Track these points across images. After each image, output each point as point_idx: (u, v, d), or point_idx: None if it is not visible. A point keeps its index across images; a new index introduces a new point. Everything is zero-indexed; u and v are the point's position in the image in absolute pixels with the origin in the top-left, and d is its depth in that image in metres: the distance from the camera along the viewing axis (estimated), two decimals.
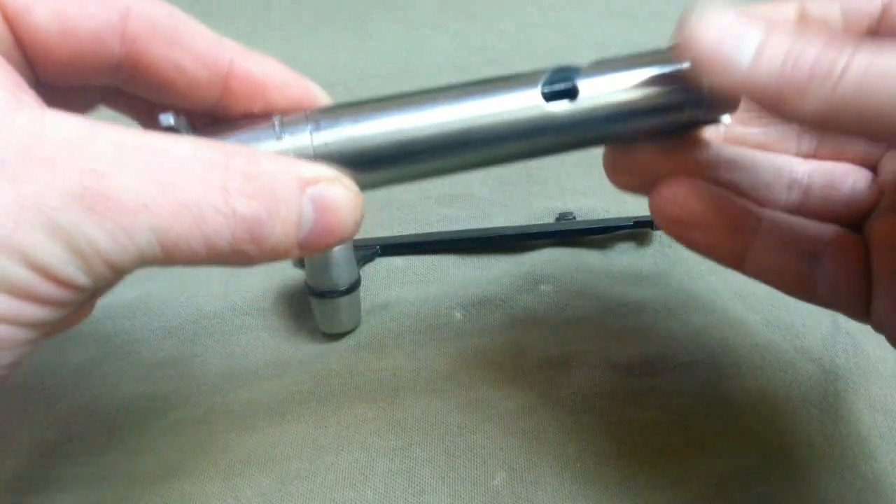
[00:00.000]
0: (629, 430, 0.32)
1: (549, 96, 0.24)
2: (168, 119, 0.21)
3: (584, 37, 0.59)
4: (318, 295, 0.34)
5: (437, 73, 0.55)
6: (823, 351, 0.35)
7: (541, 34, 0.60)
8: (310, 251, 0.22)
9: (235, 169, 0.19)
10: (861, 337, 0.35)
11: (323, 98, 0.25)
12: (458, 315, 0.37)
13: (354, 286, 0.35)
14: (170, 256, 0.19)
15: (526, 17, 0.62)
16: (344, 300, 0.35)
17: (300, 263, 0.39)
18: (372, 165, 0.23)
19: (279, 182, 0.20)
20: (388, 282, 0.39)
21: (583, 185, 0.44)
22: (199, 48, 0.23)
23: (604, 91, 0.24)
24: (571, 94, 0.24)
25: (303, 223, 0.21)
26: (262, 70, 0.24)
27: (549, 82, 0.24)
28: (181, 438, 0.32)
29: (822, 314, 0.37)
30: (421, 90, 0.24)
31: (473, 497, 0.30)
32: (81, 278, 0.18)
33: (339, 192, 0.22)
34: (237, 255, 0.20)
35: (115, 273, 0.19)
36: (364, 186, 0.23)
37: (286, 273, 0.39)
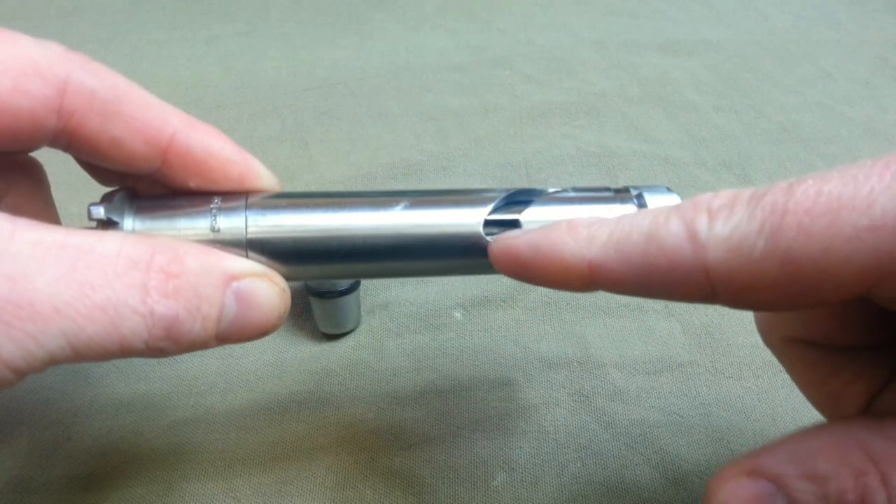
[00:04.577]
0: (629, 430, 0.32)
1: (493, 223, 0.24)
2: (98, 211, 0.22)
3: (585, 36, 0.59)
4: (318, 295, 0.34)
5: (437, 73, 0.55)
6: None
7: (541, 34, 0.60)
8: (228, 342, 0.22)
9: (158, 267, 0.20)
10: None
11: (265, 176, 0.25)
12: (458, 315, 0.37)
13: (354, 286, 0.35)
14: (81, 356, 0.19)
15: (526, 17, 0.62)
16: (344, 300, 0.35)
17: None
18: (302, 260, 0.24)
19: (202, 280, 0.20)
20: (388, 282, 0.39)
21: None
22: (139, 121, 0.23)
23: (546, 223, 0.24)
24: (514, 225, 0.24)
25: (224, 317, 0.21)
26: (204, 146, 0.24)
27: (497, 209, 0.24)
28: (181, 439, 0.32)
29: None
30: (367, 192, 0.25)
31: (473, 497, 0.30)
32: None
33: (264, 288, 0.22)
34: (152, 351, 0.20)
35: (21, 376, 0.18)
36: (293, 278, 0.24)
37: None
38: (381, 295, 0.38)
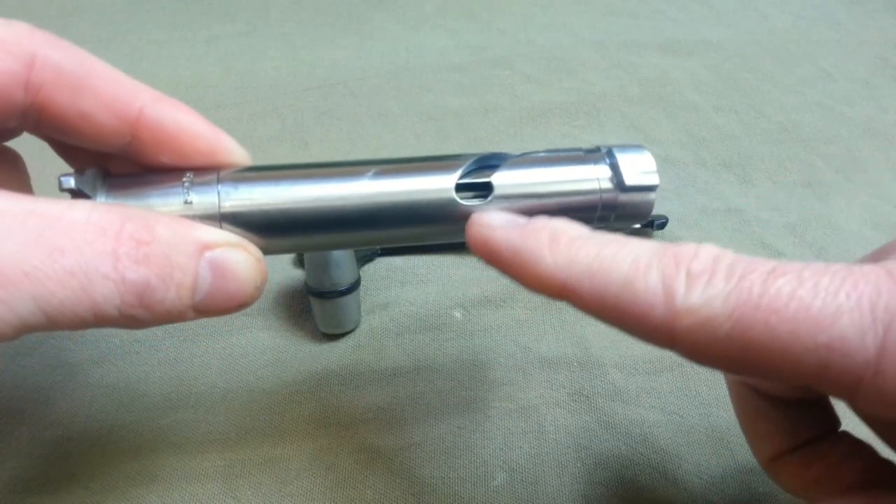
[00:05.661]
0: (629, 430, 0.32)
1: (464, 187, 0.24)
2: (69, 182, 0.22)
3: (585, 36, 0.59)
4: (318, 295, 0.34)
5: (437, 73, 0.55)
6: None
7: (541, 34, 0.60)
8: (206, 315, 0.22)
9: (128, 235, 0.20)
10: None
11: (236, 151, 0.25)
12: (458, 315, 0.37)
13: (354, 286, 0.35)
14: (54, 323, 0.19)
15: (526, 17, 0.62)
16: (344, 300, 0.35)
17: (300, 263, 0.39)
18: (277, 232, 0.24)
19: (174, 248, 0.20)
20: (388, 282, 0.39)
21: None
22: (108, 96, 0.23)
23: (519, 187, 0.24)
24: (485, 188, 0.24)
25: (199, 287, 0.21)
26: (174, 120, 0.24)
27: (468, 173, 0.24)
28: (180, 439, 0.32)
29: None
30: (338, 162, 0.25)
31: (473, 497, 0.30)
32: None
33: (238, 257, 0.22)
34: (127, 319, 0.20)
35: None
36: (269, 251, 0.24)
37: (286, 273, 0.39)
38: (381, 295, 0.38)
